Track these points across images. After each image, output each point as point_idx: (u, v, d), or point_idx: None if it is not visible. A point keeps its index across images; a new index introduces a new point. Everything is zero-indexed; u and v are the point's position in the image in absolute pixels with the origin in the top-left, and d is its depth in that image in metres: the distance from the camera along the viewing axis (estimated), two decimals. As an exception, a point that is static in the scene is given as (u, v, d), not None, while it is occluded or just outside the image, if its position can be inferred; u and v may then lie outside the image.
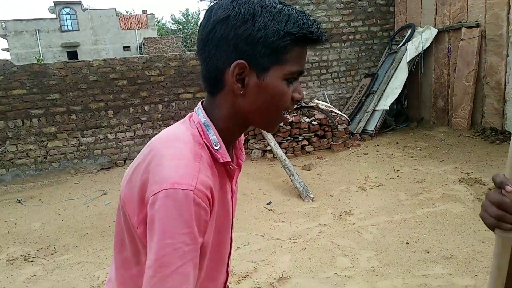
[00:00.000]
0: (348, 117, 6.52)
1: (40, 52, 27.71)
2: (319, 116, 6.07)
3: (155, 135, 0.85)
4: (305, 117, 6.06)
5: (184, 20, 41.80)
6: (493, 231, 0.83)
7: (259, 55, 0.77)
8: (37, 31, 28.07)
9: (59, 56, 27.51)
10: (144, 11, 31.50)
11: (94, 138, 6.07)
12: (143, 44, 25.04)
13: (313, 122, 6.00)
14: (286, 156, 5.20)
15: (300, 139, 5.93)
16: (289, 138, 5.88)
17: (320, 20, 7.14)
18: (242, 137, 1.02)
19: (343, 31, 7.41)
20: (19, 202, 5.01)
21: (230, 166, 0.85)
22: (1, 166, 5.72)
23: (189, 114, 0.88)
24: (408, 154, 5.54)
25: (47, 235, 3.96)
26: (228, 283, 1.08)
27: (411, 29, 7.12)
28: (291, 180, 4.62)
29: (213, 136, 0.82)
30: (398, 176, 4.70)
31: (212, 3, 0.81)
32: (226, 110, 0.83)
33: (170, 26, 41.71)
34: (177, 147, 0.77)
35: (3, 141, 5.69)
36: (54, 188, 5.50)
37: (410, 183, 4.41)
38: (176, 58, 6.31)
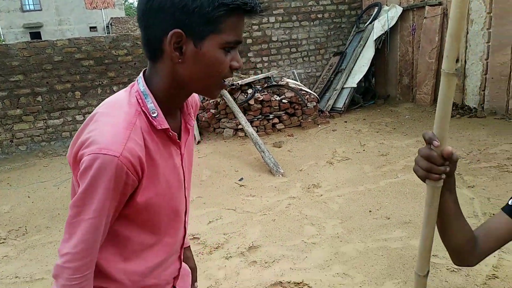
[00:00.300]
0: (318, 95, 6.65)
1: (1, 33, 26.37)
2: (289, 94, 6.17)
3: None
4: (276, 96, 6.15)
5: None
6: (425, 182, 0.94)
7: (195, 25, 0.80)
8: (-4, 11, 26.63)
9: (21, 38, 26.23)
10: (111, -10, 30.37)
11: (62, 120, 5.96)
12: (110, 24, 24.25)
13: (284, 101, 6.10)
14: (258, 134, 5.29)
15: (271, 117, 6.03)
16: (260, 116, 5.97)
17: (289, -1, 7.17)
18: (195, 103, 1.08)
19: (312, 10, 7.47)
20: (-14, 186, 4.90)
21: (170, 133, 0.90)
22: (-35, 150, 5.56)
23: (132, 83, 0.92)
24: (374, 129, 5.75)
25: (17, 217, 3.93)
26: (186, 240, 1.19)
27: (377, 7, 7.26)
28: (262, 157, 4.73)
29: (151, 104, 0.87)
30: (364, 150, 4.90)
31: None
32: (166, 78, 0.87)
33: (139, 6, 40.33)
34: (113, 114, 0.84)
35: (-35, 125, 5.51)
36: (22, 171, 5.40)
37: (375, 156, 4.62)
38: (144, 37, 6.20)
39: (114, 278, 0.91)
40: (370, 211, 3.33)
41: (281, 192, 3.97)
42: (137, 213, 0.88)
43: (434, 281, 2.37)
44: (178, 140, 0.94)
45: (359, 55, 7.04)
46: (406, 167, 4.17)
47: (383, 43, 7.18)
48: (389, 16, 6.87)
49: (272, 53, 7.24)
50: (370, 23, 7.19)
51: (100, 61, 6.02)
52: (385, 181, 3.91)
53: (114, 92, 6.11)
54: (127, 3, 38.59)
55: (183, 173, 1.00)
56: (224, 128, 6.03)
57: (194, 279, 1.27)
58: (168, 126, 0.89)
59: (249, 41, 7.00)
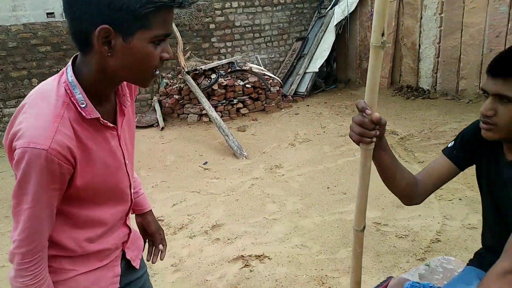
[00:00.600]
0: (281, 80, 6.76)
1: None
2: (252, 79, 6.24)
3: None
4: (239, 81, 6.20)
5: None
6: (359, 146, 1.07)
7: (123, 21, 0.80)
8: None
9: (-29, 24, 24.72)
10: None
11: (19, 108, 5.76)
12: (69, 10, 23.21)
13: (247, 85, 6.17)
14: (222, 119, 5.35)
15: (235, 102, 6.10)
16: (224, 101, 6.02)
17: (251, -16, 7.18)
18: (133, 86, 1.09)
19: (274, -5, 7.52)
20: None
21: (101, 121, 0.93)
22: None
23: (62, 70, 0.93)
24: (334, 112, 5.95)
25: (-25, 207, 3.83)
26: (144, 205, 1.30)
27: (338, -7, 7.41)
28: (226, 141, 4.81)
29: (79, 95, 0.88)
30: (324, 132, 5.08)
31: None
32: (95, 69, 0.88)
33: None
34: (41, 106, 0.86)
35: None
36: (-22, 162, 5.21)
37: (335, 137, 4.80)
38: (103, 22, 6.06)
39: (65, 245, 0.98)
40: (328, 188, 3.50)
41: (244, 173, 4.07)
42: (78, 192, 0.94)
43: (384, 246, 2.56)
44: (112, 125, 0.97)
45: (321, 40, 7.19)
46: (363, 147, 4.37)
47: (344, 28, 7.36)
48: (348, 1, 7.04)
49: (235, 38, 7.26)
50: (331, 8, 7.34)
51: (58, 47, 5.84)
52: (343, 159, 4.10)
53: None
54: (86, -12, 36.95)
55: (123, 153, 1.03)
56: (188, 114, 6.04)
57: (159, 241, 1.33)
58: (98, 115, 0.91)
59: (212, 26, 6.98)
